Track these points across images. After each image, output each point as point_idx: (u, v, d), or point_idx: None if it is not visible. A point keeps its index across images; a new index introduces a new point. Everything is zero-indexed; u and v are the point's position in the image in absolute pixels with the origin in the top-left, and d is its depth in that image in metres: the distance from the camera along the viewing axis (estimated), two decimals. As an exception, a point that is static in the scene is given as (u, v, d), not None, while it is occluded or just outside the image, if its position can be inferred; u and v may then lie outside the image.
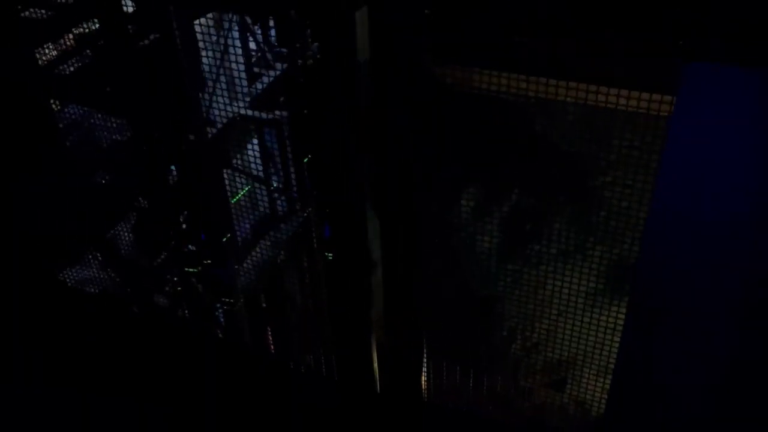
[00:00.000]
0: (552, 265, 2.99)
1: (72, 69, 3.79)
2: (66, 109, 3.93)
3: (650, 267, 3.01)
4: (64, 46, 3.81)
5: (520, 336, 3.28)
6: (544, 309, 3.13)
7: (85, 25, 3.77)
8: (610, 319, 3.07)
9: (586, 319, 3.10)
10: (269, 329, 4.49)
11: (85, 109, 3.97)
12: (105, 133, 3.97)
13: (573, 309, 3.08)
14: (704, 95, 2.64)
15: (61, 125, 3.95)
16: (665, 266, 3.16)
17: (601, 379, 3.25)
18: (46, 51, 3.75)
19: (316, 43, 3.49)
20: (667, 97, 2.43)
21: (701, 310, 3.17)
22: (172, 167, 3.85)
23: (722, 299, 3.12)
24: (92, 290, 4.44)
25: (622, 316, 3.04)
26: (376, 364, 3.24)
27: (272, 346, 4.51)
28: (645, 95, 2.43)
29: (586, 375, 3.26)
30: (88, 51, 3.83)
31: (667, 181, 2.69)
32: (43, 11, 3.60)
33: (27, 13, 3.59)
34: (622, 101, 2.47)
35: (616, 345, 3.12)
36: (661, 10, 2.14)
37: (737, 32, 2.07)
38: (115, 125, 3.92)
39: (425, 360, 3.36)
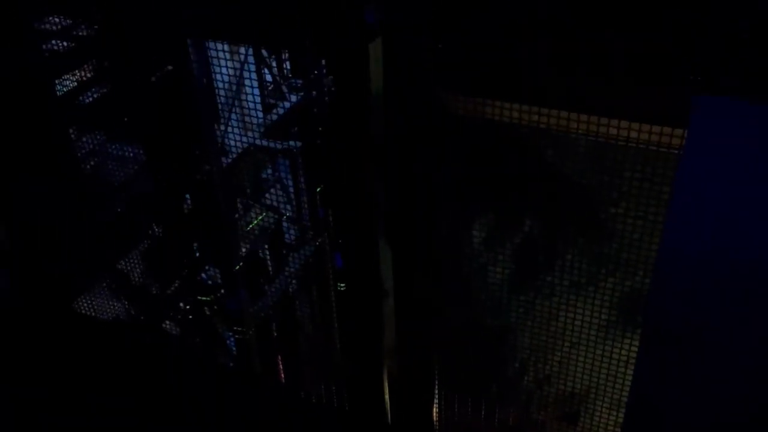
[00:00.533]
0: (564, 297, 2.98)
1: (90, 99, 3.86)
2: (83, 138, 4.00)
3: (662, 299, 3.00)
4: (82, 77, 3.89)
5: (533, 368, 3.26)
6: (557, 341, 3.12)
7: (102, 57, 3.85)
8: (623, 352, 3.05)
9: (599, 352, 3.08)
10: (280, 358, 4.48)
11: (102, 137, 4.03)
12: (120, 161, 4.03)
13: (585, 341, 3.06)
14: (716, 127, 2.65)
15: (78, 154, 4.01)
16: (677, 298, 3.15)
17: (614, 413, 3.21)
18: (66, 81, 3.83)
19: (330, 77, 3.55)
20: (678, 131, 2.44)
21: (714, 342, 3.14)
22: (186, 196, 3.89)
23: (736, 331, 3.10)
24: (106, 317, 4.47)
25: (635, 349, 3.02)
26: (387, 395, 3.23)
27: (283, 375, 4.50)
28: (656, 128, 2.45)
29: (600, 408, 3.23)
30: (105, 82, 3.90)
31: (679, 211, 2.70)
32: (64, 43, 3.69)
33: (49, 45, 3.68)
34: (633, 134, 2.49)
35: (630, 377, 3.09)
36: (672, 45, 2.17)
37: (748, 67, 2.09)
38: (130, 154, 3.97)
39: (437, 391, 3.34)
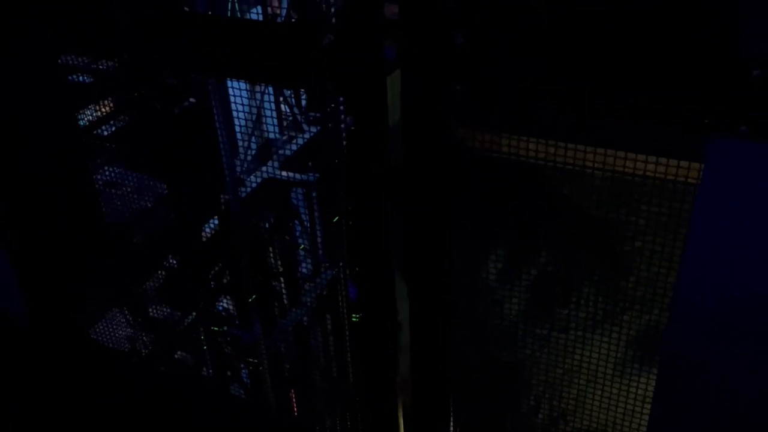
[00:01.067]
0: (580, 332, 2.96)
1: (110, 132, 3.93)
2: (104, 169, 4.06)
3: (680, 336, 2.97)
4: (103, 111, 3.96)
5: (549, 404, 3.22)
6: (573, 377, 3.08)
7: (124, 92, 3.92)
8: (640, 390, 3.01)
9: (615, 389, 3.04)
10: (293, 391, 4.45)
11: (120, 169, 4.09)
12: (140, 192, 4.07)
13: (602, 377, 3.03)
14: (733, 164, 2.65)
15: (98, 185, 4.06)
16: (696, 335, 3.11)
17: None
18: (88, 114, 3.91)
19: (347, 109, 3.59)
20: (695, 164, 2.44)
21: (735, 381, 3.09)
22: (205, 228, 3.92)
23: (758, 370, 3.05)
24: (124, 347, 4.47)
25: (652, 387, 2.98)
26: (402, 430, 3.19)
27: (296, 409, 4.46)
28: (672, 162, 2.45)
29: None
30: (126, 116, 3.98)
31: (696, 248, 2.68)
32: (87, 77, 3.78)
33: (72, 78, 3.76)
34: (650, 168, 2.49)
35: (647, 415, 3.05)
36: (685, 91, 2.18)
37: (761, 112, 2.10)
38: (149, 185, 4.02)
39: (452, 427, 3.30)
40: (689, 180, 2.48)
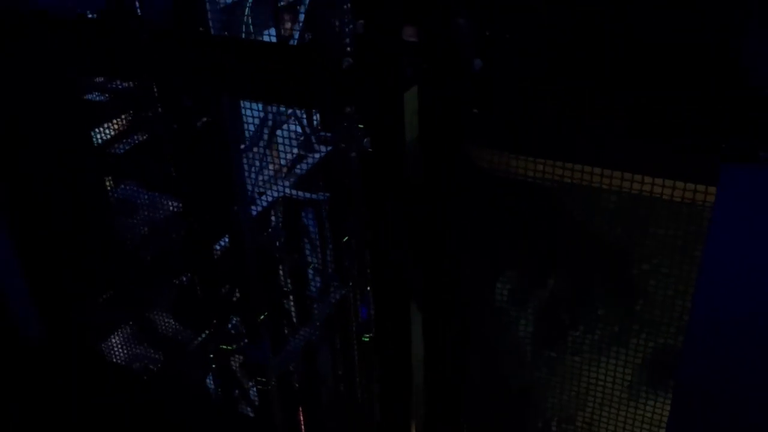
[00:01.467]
0: (594, 356, 2.94)
1: (125, 149, 3.96)
2: (118, 188, 4.07)
3: (694, 360, 2.94)
4: (119, 128, 3.99)
5: (562, 427, 3.19)
6: (587, 401, 3.06)
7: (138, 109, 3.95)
8: (655, 415, 2.98)
9: (630, 413, 3.01)
10: (302, 412, 4.42)
11: (133, 187, 4.10)
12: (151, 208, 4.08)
13: (617, 402, 3.00)
14: (749, 187, 2.64)
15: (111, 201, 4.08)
16: (709, 360, 3.08)
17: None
18: (103, 131, 3.94)
19: (361, 128, 3.60)
20: (711, 188, 2.44)
21: (749, 405, 3.06)
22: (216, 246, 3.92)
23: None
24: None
25: (666, 411, 2.96)
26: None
27: (303, 428, 4.44)
28: (689, 185, 2.45)
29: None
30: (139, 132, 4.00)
31: (710, 271, 2.67)
32: (104, 95, 3.81)
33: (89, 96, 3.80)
34: (666, 191, 2.49)
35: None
36: (701, 115, 2.19)
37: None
38: (161, 202, 4.04)
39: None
40: (706, 203, 2.48)
